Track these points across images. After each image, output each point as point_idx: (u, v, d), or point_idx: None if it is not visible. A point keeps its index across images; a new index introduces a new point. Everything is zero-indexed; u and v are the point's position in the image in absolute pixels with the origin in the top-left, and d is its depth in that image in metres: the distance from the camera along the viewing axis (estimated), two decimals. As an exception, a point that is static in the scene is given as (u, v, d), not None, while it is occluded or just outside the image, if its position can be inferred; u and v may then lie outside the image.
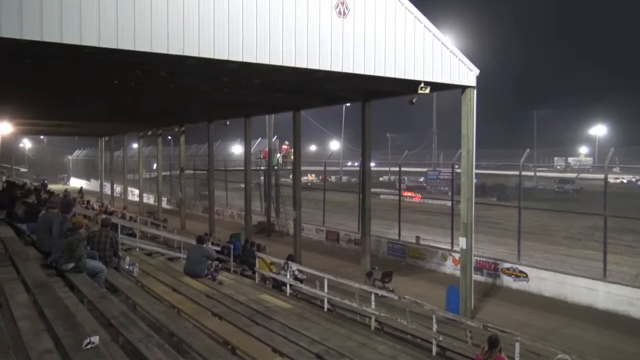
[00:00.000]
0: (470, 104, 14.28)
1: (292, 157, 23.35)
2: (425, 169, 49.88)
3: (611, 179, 27.23)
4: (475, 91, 14.26)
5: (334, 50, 11.77)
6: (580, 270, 16.27)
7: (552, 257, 18.44)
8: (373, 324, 11.99)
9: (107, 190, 48.06)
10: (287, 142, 36.63)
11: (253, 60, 10.74)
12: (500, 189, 36.25)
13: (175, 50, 9.81)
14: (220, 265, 14.62)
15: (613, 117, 79.95)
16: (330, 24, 11.69)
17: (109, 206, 29.44)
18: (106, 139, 48.90)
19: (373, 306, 11.99)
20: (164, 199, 39.52)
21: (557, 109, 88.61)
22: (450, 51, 13.73)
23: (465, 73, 14.03)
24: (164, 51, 9.71)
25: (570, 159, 67.92)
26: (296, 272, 14.93)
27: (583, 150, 76.28)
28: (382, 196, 31.29)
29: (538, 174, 49.43)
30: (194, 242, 14.86)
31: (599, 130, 76.91)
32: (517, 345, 8.85)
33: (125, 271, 11.83)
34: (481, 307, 15.23)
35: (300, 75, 12.66)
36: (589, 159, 67.92)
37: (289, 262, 15.08)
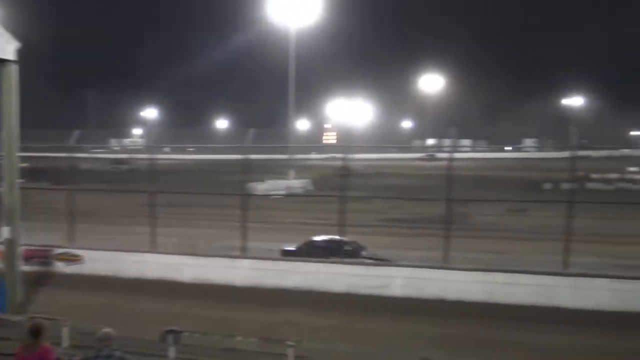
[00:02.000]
0: (11, 80, 13.19)
1: None
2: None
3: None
4: (16, 66, 13.21)
5: None
6: (134, 245, 17.17)
7: (108, 236, 18.83)
8: None
9: None
10: None
11: None
12: (54, 172, 34.63)
13: None
14: None
15: (166, 101, 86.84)
16: None
17: None
18: None
19: None
20: None
21: (116, 91, 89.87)
22: (-13, 20, 12.27)
23: (3, 45, 12.80)
24: None
25: (126, 140, 70.34)
26: None
27: (137, 131, 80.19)
28: None
29: (97, 155, 49.41)
30: None
31: (151, 113, 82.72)
32: (65, 330, 8.89)
33: None
34: (34, 299, 14.35)
35: None
36: (141, 140, 71.62)
37: None
